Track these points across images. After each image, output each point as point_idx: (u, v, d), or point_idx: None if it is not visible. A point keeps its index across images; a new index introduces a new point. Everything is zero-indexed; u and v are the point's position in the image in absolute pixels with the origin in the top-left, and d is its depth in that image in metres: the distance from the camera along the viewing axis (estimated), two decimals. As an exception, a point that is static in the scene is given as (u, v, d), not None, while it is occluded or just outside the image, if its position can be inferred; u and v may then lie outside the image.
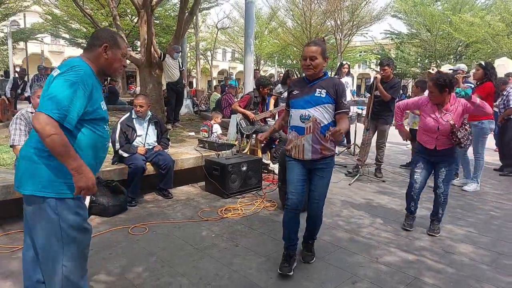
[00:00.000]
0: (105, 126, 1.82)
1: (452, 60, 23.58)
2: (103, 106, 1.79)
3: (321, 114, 2.47)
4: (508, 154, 5.79)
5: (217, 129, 5.89)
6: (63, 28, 20.14)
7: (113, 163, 4.01)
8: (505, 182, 5.32)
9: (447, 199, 3.36)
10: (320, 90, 2.48)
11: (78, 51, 31.21)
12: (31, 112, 3.25)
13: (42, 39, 24.80)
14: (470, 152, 4.81)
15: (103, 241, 3.00)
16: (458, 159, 5.17)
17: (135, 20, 16.26)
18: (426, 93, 3.38)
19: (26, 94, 10.11)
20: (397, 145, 7.82)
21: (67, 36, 22.03)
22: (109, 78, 17.50)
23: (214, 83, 26.97)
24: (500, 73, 8.01)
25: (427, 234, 3.32)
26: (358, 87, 40.56)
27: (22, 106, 10.21)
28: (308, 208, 2.67)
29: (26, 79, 10.82)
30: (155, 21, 15.34)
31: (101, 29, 1.84)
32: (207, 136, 5.69)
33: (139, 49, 9.08)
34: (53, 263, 1.67)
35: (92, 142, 1.72)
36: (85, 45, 22.51)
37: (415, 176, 3.36)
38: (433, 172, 3.38)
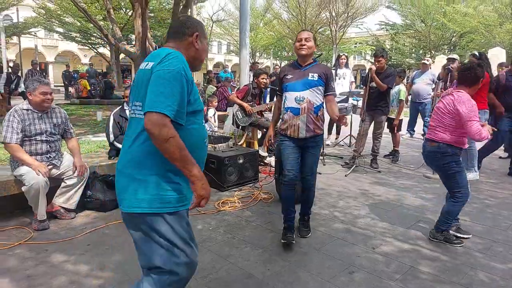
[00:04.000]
0: (203, 120, 1.63)
1: (446, 50, 23.64)
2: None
3: (314, 95, 2.77)
4: None
5: (212, 113, 5.83)
6: (57, 22, 19.89)
7: (110, 157, 4.01)
8: (500, 171, 5.38)
9: None
10: (313, 74, 2.78)
11: (72, 45, 30.96)
12: (26, 110, 3.11)
13: (35, 33, 24.51)
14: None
15: (100, 236, 3.00)
16: None
17: (130, 14, 16.09)
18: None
19: (19, 90, 10.01)
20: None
21: (60, 30, 21.77)
22: (103, 72, 17.37)
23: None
24: (493, 63, 8.04)
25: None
26: (354, 78, 40.57)
27: (16, 102, 10.13)
28: (302, 183, 2.94)
29: (19, 74, 10.71)
30: (150, 14, 15.18)
31: (187, 16, 1.74)
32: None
33: (133, 43, 9.01)
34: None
35: (194, 139, 1.51)
36: (79, 39, 22.41)
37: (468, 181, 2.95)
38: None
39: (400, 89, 5.83)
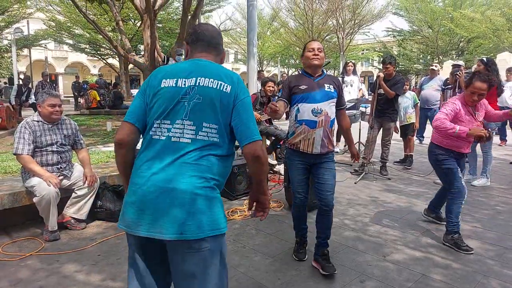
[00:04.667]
0: None
1: (454, 55, 23.51)
2: None
3: (331, 108, 2.60)
4: None
5: None
6: (67, 34, 20.29)
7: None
8: (511, 177, 5.29)
9: None
10: (329, 85, 2.61)
11: (82, 56, 31.51)
12: (37, 121, 3.17)
13: (45, 45, 25.04)
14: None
15: (111, 247, 3.03)
16: None
17: (138, 24, 16.35)
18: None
19: (30, 101, 10.21)
20: (401, 142, 7.81)
21: (70, 41, 22.17)
22: (113, 83, 17.61)
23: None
24: (502, 68, 7.99)
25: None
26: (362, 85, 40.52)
27: (27, 113, 10.33)
28: (321, 202, 2.60)
29: (30, 85, 10.95)
30: (158, 25, 15.41)
31: (213, 26, 1.66)
32: None
33: (142, 53, 9.14)
34: None
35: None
36: (89, 50, 22.70)
37: (462, 182, 3.02)
38: None
39: (412, 95, 5.88)
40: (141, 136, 1.50)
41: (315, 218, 2.70)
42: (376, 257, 2.83)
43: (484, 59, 4.83)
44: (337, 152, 6.91)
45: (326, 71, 2.81)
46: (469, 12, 20.48)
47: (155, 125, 1.42)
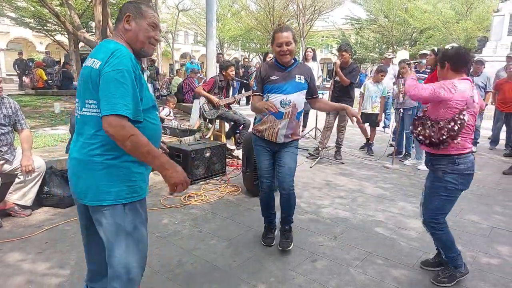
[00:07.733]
0: (157, 113, 1.68)
1: (408, 45, 24.58)
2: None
3: (300, 100, 2.61)
4: None
5: (166, 112, 5.90)
6: (8, 6, 18.49)
7: (68, 151, 3.84)
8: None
9: None
10: (299, 76, 2.60)
11: (27, 32, 28.97)
12: None
13: (-17, 18, 22.69)
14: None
15: (59, 234, 2.89)
16: (410, 139, 5.52)
17: (89, 0, 15.29)
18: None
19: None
20: (357, 128, 8.11)
21: (12, 15, 20.26)
22: (63, 62, 16.42)
23: (176, 66, 26.26)
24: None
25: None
26: (321, 72, 41.23)
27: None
28: (280, 186, 2.66)
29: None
30: (111, 1, 14.52)
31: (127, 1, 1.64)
32: None
33: (93, 31, 8.59)
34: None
35: (150, 133, 1.52)
36: (34, 25, 20.78)
37: None
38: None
39: (385, 86, 6.01)
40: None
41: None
42: (327, 237, 2.96)
43: (435, 49, 5.12)
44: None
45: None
46: (422, 4, 21.44)
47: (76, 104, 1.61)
